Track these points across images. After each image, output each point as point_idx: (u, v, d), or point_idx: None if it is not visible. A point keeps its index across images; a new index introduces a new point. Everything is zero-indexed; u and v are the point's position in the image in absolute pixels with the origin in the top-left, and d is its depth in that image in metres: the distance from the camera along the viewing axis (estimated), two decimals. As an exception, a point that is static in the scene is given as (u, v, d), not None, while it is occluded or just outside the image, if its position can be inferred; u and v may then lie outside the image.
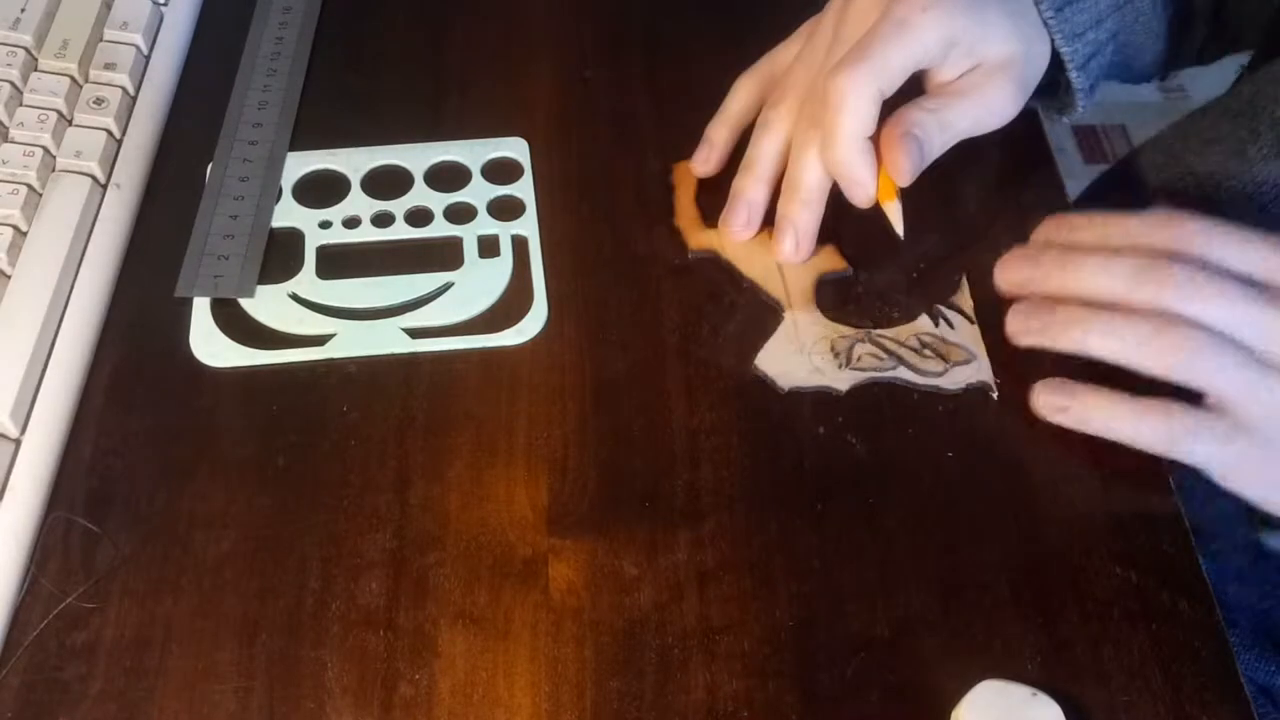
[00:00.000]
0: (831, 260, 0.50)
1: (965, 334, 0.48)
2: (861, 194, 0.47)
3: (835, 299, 0.49)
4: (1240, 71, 0.63)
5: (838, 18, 0.49)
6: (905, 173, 0.46)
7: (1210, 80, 0.67)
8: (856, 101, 0.45)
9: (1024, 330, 0.44)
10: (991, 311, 0.47)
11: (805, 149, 0.48)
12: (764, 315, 0.48)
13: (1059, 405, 0.43)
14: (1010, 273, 0.45)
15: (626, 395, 0.46)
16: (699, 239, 0.50)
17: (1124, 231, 0.44)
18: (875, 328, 0.48)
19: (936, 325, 0.48)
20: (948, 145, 0.48)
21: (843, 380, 0.46)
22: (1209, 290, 0.41)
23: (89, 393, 0.45)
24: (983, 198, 0.53)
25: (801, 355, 0.47)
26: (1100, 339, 0.42)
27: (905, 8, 0.46)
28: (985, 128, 0.49)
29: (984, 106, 0.48)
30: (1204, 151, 0.58)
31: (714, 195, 0.51)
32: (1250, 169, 0.55)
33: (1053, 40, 0.51)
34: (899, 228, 0.48)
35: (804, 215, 0.49)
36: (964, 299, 0.49)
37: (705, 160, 0.53)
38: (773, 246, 0.50)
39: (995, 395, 0.46)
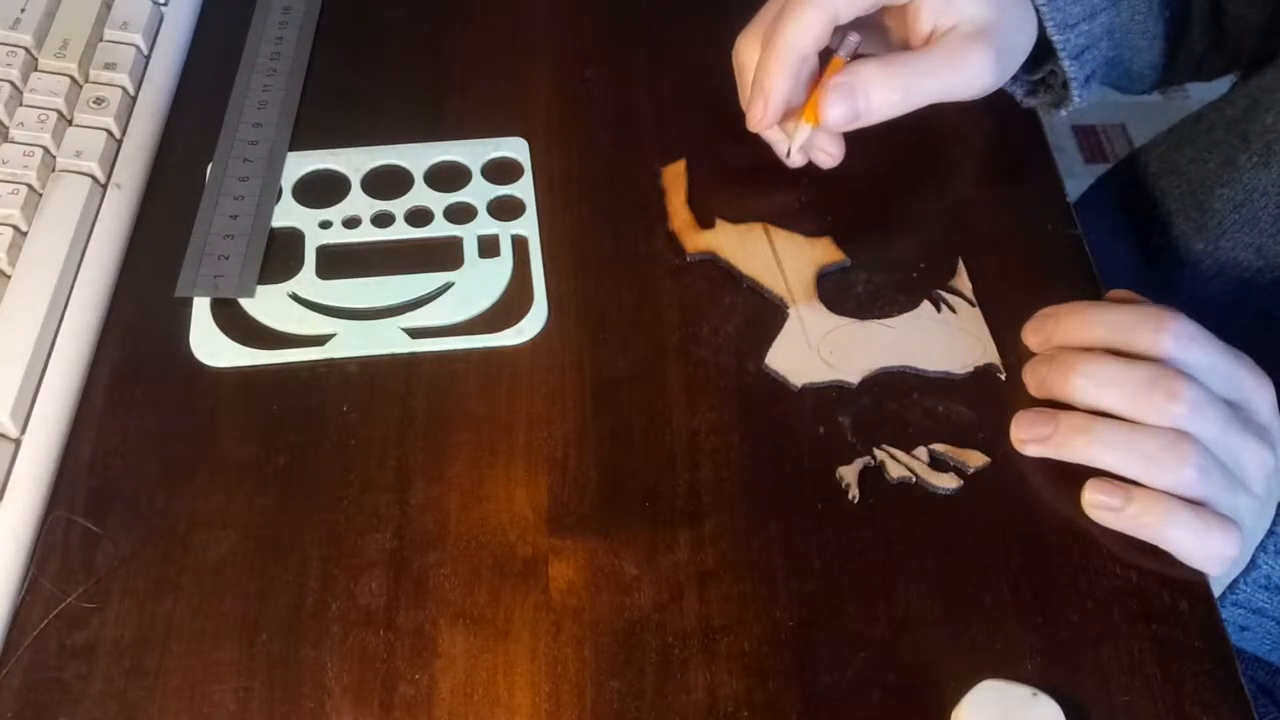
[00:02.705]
0: (829, 252, 0.50)
1: (967, 317, 0.48)
2: (758, 112, 0.48)
3: (837, 292, 0.49)
4: (1235, 79, 0.63)
5: None
6: (824, 116, 0.47)
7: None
8: (807, 12, 0.46)
9: (1028, 440, 0.44)
10: (992, 295, 0.48)
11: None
12: (768, 314, 0.48)
13: (1111, 505, 0.42)
14: (1027, 376, 0.45)
15: (626, 395, 0.46)
16: (695, 242, 0.50)
17: (1110, 327, 0.44)
18: (878, 319, 0.48)
19: (939, 310, 0.48)
20: (914, 103, 0.48)
21: (854, 374, 0.46)
22: (1211, 413, 0.42)
23: (89, 393, 0.45)
24: (982, 196, 0.53)
25: (811, 351, 0.47)
26: (1106, 451, 0.42)
27: None
28: (960, 93, 0.49)
29: (956, 70, 0.48)
30: (1198, 159, 0.58)
31: (707, 196, 0.51)
32: (1241, 177, 0.55)
33: (1045, 29, 0.51)
34: (794, 146, 0.50)
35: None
36: (962, 282, 0.49)
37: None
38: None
39: (1003, 377, 0.46)
